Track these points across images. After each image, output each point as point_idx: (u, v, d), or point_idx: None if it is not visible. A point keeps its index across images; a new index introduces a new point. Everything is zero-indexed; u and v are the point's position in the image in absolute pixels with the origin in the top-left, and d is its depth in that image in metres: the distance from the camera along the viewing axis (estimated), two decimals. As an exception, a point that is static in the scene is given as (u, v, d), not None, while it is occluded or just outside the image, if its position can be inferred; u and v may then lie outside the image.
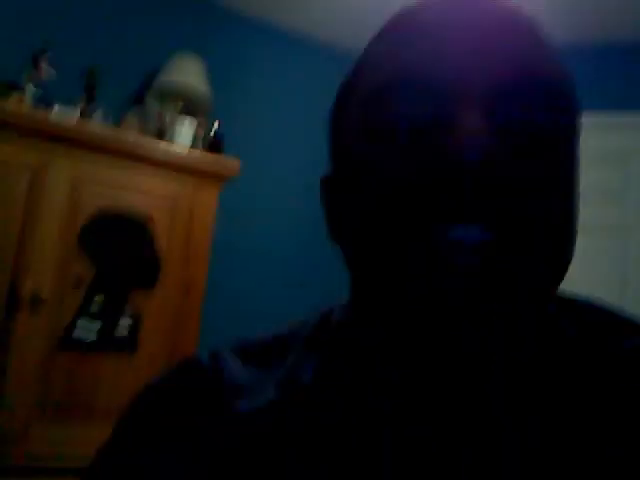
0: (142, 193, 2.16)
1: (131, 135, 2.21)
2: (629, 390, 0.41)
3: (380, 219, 0.38)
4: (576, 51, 2.74)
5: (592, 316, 0.46)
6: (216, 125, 2.46)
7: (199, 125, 2.40)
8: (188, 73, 2.47)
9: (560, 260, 0.39)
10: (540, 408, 0.41)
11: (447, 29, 0.38)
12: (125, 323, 2.09)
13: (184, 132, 2.33)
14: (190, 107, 2.47)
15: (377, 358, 0.41)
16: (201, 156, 2.30)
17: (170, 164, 2.21)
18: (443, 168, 0.36)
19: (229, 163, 2.33)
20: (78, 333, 2.02)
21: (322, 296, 2.67)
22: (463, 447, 0.39)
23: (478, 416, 0.40)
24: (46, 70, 2.19)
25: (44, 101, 2.13)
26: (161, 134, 2.33)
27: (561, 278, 0.40)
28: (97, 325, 2.04)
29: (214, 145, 2.40)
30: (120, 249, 2.11)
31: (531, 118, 0.37)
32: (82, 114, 2.17)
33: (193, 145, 2.35)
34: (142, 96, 2.51)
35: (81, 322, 2.02)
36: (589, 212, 2.57)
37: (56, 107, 2.11)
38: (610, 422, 0.40)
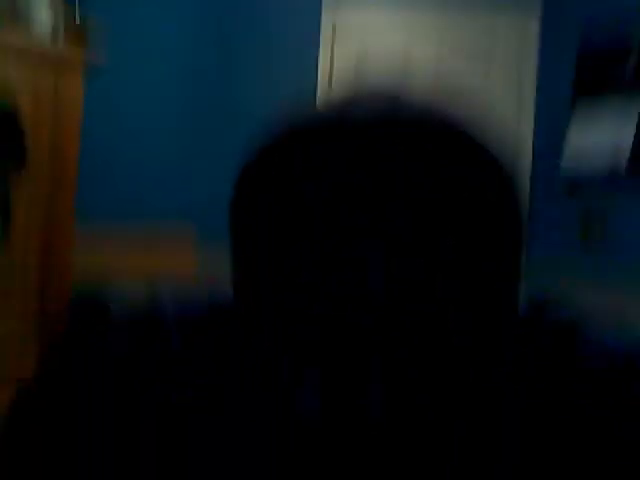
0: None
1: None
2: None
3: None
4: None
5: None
6: (78, 9, 2.27)
7: (59, 8, 2.20)
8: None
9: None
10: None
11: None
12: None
13: (43, 16, 2.13)
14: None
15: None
16: (62, 43, 2.14)
17: (29, 53, 2.05)
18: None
19: (93, 51, 2.19)
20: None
21: (199, 182, 2.64)
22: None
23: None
24: None
25: None
26: (16, 18, 2.12)
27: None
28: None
29: (77, 31, 2.23)
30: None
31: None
32: None
33: (54, 31, 2.17)
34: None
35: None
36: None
37: None
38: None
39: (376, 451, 0.41)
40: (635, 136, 2.43)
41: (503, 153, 0.43)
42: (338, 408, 0.41)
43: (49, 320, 2.01)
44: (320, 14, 2.80)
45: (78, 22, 2.26)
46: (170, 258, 2.57)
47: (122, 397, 0.46)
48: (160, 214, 2.60)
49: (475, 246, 0.40)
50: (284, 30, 2.82)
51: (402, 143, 0.40)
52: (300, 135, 0.42)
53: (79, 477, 0.46)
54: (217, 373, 0.47)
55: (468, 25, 2.82)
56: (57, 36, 2.18)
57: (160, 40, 2.73)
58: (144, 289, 0.54)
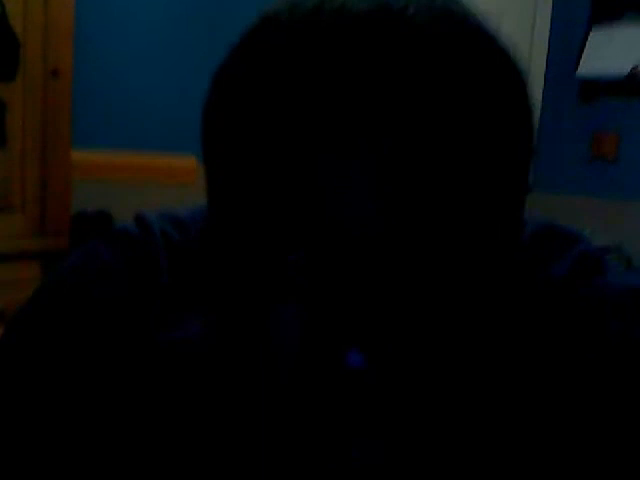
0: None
1: None
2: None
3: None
4: None
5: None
6: None
7: None
8: None
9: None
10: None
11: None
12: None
13: None
14: None
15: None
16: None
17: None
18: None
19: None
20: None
21: (197, 71, 2.49)
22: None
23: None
24: None
25: None
26: None
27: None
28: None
29: None
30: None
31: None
32: None
33: None
34: None
35: None
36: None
37: None
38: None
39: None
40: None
41: (513, 49, 0.40)
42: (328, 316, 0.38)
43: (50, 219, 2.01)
44: None
45: None
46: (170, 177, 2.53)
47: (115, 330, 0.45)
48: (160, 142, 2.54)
49: (473, 144, 0.37)
50: None
51: (399, 33, 0.36)
52: (281, 25, 0.38)
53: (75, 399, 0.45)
54: (201, 302, 0.45)
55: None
56: None
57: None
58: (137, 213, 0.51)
